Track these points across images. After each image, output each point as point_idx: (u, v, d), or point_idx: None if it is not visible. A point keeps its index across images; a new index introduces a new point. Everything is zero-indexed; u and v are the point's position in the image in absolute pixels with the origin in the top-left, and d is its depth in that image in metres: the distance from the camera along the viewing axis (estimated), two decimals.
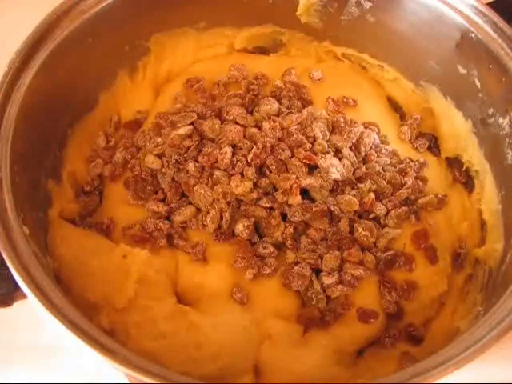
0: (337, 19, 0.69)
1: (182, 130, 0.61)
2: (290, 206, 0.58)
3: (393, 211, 0.60)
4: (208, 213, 0.58)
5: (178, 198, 0.60)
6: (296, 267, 0.57)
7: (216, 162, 0.59)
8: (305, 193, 0.59)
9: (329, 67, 0.72)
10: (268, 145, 0.59)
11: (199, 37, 0.71)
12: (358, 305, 0.57)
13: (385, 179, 0.62)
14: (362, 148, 0.62)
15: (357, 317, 0.56)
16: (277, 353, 0.54)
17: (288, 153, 0.59)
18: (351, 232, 0.58)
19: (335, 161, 0.59)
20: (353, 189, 0.60)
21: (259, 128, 0.61)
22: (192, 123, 0.62)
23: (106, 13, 0.61)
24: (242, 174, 0.58)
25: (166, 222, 0.59)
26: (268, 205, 0.58)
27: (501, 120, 0.60)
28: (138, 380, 0.42)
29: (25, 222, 0.50)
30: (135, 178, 0.61)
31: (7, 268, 0.46)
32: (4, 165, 0.51)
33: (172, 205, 0.60)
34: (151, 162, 0.60)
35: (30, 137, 0.55)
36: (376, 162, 0.63)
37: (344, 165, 0.59)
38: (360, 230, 0.58)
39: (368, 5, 0.67)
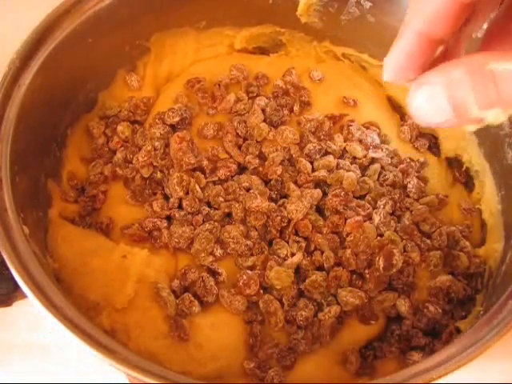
0: (337, 19, 0.69)
1: None
2: None
3: None
4: None
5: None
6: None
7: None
8: None
9: (329, 67, 0.72)
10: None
11: (199, 36, 0.71)
12: None
13: (387, 179, 0.62)
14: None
15: (357, 318, 0.56)
16: None
17: None
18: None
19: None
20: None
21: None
22: None
23: (105, 13, 0.61)
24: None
25: (165, 221, 0.59)
26: None
27: None
28: (138, 380, 0.42)
29: (25, 222, 0.50)
30: (134, 179, 0.61)
31: (7, 268, 0.46)
32: (4, 165, 0.51)
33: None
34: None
35: (29, 137, 0.55)
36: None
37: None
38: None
39: (368, 5, 0.67)
